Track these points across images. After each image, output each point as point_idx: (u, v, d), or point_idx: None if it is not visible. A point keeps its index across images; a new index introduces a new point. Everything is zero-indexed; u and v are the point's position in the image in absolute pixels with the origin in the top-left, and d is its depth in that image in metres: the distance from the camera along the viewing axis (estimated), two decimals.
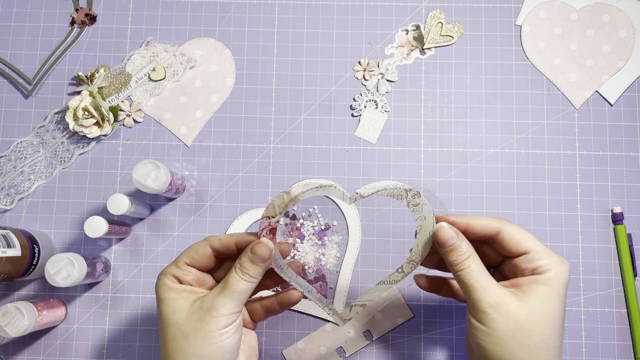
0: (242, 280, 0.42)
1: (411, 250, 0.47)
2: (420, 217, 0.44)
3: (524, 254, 0.45)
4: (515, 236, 0.45)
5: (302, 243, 0.66)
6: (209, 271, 0.47)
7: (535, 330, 0.41)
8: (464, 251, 0.44)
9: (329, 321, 0.65)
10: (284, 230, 0.66)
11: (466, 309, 0.44)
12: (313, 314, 0.65)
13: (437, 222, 0.45)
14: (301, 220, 0.66)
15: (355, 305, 0.49)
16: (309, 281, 0.65)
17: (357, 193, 0.44)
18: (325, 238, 0.66)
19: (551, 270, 0.43)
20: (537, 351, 0.41)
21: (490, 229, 0.45)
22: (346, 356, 0.64)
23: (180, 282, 0.44)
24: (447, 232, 0.44)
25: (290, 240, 0.66)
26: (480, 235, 0.46)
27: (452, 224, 0.45)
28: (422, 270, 0.53)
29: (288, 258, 0.66)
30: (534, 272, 0.44)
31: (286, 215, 0.67)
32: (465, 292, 0.44)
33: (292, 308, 0.65)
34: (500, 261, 0.48)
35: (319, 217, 0.67)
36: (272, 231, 0.43)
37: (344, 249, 0.66)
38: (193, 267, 0.44)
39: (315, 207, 0.67)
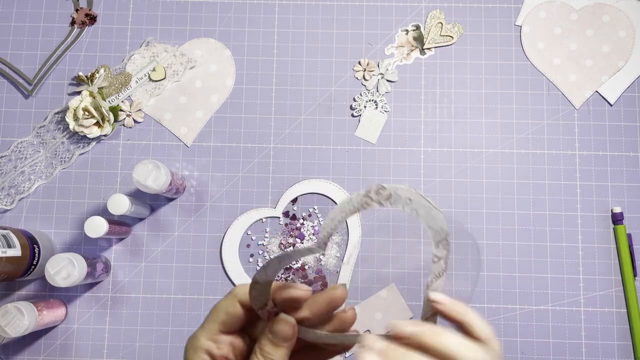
0: None
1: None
2: (404, 202, 0.34)
3: None
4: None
5: (302, 243, 0.66)
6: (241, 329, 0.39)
7: None
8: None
9: None
10: (283, 230, 0.66)
11: None
12: None
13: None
14: (301, 220, 0.67)
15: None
16: (309, 281, 0.65)
17: (319, 239, 0.36)
18: None
19: None
20: None
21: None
22: (346, 356, 0.64)
23: (213, 357, 0.37)
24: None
25: (291, 240, 0.66)
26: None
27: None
28: None
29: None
30: None
31: (286, 215, 0.67)
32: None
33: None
34: None
35: (319, 217, 0.67)
36: (277, 313, 0.37)
37: (344, 249, 0.66)
38: (226, 333, 0.38)
39: (315, 207, 0.67)
